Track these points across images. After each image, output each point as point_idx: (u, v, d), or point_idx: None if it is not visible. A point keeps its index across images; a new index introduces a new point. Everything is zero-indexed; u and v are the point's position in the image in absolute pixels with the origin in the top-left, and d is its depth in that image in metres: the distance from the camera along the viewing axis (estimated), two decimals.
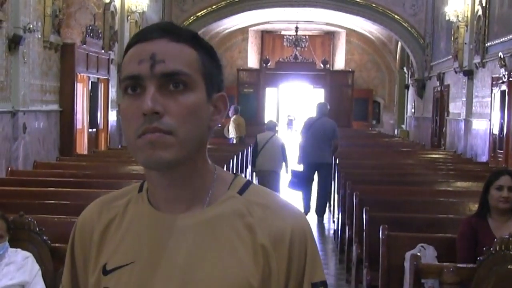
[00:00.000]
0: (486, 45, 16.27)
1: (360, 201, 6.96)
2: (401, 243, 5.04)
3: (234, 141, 16.24)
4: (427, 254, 4.79)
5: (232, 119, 16.46)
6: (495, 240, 4.17)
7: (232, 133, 16.36)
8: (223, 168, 7.67)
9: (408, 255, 4.70)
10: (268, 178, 12.40)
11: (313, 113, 12.80)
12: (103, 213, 1.69)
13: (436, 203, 6.92)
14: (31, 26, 11.53)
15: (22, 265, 3.94)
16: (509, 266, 4.00)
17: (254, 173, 13.21)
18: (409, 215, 6.14)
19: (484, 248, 4.16)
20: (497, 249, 4.03)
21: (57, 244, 4.26)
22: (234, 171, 13.85)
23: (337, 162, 11.64)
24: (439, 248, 4.98)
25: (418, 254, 4.44)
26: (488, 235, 4.83)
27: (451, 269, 3.89)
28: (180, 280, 1.54)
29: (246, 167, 14.71)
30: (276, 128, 13.58)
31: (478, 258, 4.14)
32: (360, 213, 6.68)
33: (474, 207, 6.34)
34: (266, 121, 18.36)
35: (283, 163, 12.71)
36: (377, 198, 7.07)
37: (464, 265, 4.32)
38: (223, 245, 1.56)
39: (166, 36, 1.56)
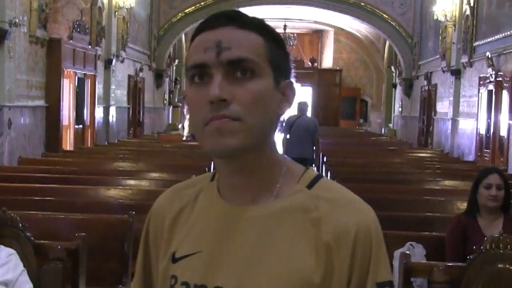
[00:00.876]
0: (474, 44, 16.29)
1: None
2: (389, 241, 4.94)
3: (189, 138, 16.10)
4: (416, 252, 4.75)
5: (188, 117, 16.26)
6: (485, 238, 4.13)
7: (186, 131, 16.23)
8: (211, 164, 7.59)
9: (397, 253, 4.66)
10: None
11: (294, 111, 12.58)
12: (175, 201, 1.69)
13: (424, 201, 6.89)
14: (17, 20, 11.42)
15: (6, 261, 3.86)
16: (499, 265, 3.96)
17: None
18: (398, 213, 6.09)
19: (474, 247, 4.13)
20: (488, 247, 3.99)
21: (41, 241, 4.19)
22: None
23: (324, 160, 11.60)
24: (428, 246, 4.93)
25: (408, 252, 4.40)
26: (478, 233, 4.80)
27: (441, 268, 3.84)
28: (243, 272, 1.52)
29: None
30: None
31: (468, 257, 4.10)
32: None
33: (462, 205, 6.32)
34: None
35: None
36: (365, 196, 6.83)
37: (454, 264, 4.28)
38: (287, 240, 1.53)
39: (232, 23, 1.54)
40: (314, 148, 12.40)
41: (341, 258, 1.50)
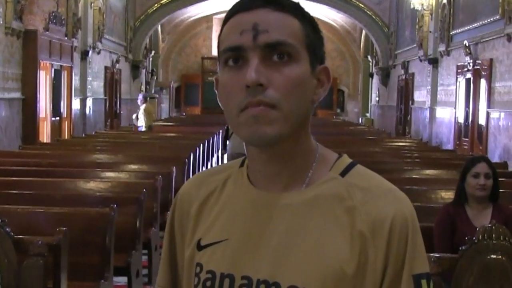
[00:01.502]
0: (451, 33, 16.32)
1: None
2: None
3: (143, 129, 16.02)
4: None
5: (142, 107, 16.11)
6: (477, 229, 4.07)
7: (141, 121, 16.12)
8: (191, 156, 7.49)
9: None
10: None
11: None
12: (202, 187, 1.65)
13: (407, 191, 6.74)
14: None
15: None
16: (492, 256, 3.90)
17: (226, 157, 13.16)
18: None
19: (466, 238, 4.06)
20: (480, 238, 3.93)
21: (21, 236, 4.08)
22: (206, 157, 13.76)
23: None
24: None
25: None
26: (466, 223, 4.75)
27: (432, 260, 3.77)
28: (272, 261, 1.47)
29: (216, 151, 14.64)
30: None
31: (460, 248, 4.03)
32: None
33: (447, 195, 6.29)
34: None
35: None
36: None
37: (445, 255, 4.21)
38: (319, 228, 1.47)
39: (269, 5, 1.48)
40: None
41: (376, 248, 1.45)
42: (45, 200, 5.76)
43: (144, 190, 6.08)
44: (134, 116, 16.86)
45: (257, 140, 1.46)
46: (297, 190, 1.52)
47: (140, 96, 16.35)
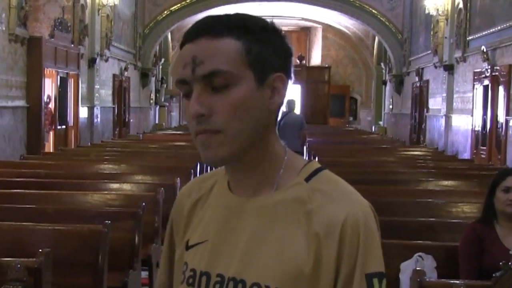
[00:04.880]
0: (468, 38, 15.95)
1: None
2: (395, 252, 4.45)
3: None
4: (426, 264, 4.20)
5: None
6: (511, 252, 3.62)
7: None
8: (197, 166, 7.10)
9: (404, 266, 4.17)
10: None
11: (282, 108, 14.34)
12: (194, 192, 1.79)
13: (425, 204, 6.36)
14: None
15: None
16: None
17: None
18: (398, 218, 5.56)
19: (501, 263, 3.60)
20: None
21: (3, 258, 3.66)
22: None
23: (316, 159, 11.15)
24: (438, 258, 4.40)
25: (418, 268, 3.86)
26: (496, 244, 4.24)
27: (461, 287, 3.33)
28: (240, 260, 1.60)
29: None
30: None
31: (494, 275, 3.57)
32: None
33: (469, 209, 5.89)
34: None
35: None
36: None
37: (477, 282, 3.74)
38: (282, 231, 1.59)
39: (206, 33, 1.57)
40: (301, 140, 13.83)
41: (329, 249, 1.54)
42: (36, 215, 5.37)
43: (144, 204, 5.68)
44: None
45: (210, 163, 1.59)
46: (265, 194, 1.63)
47: None
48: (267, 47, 1.58)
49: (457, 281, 3.60)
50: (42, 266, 3.62)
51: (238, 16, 1.60)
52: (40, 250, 3.72)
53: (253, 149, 1.61)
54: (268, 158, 1.64)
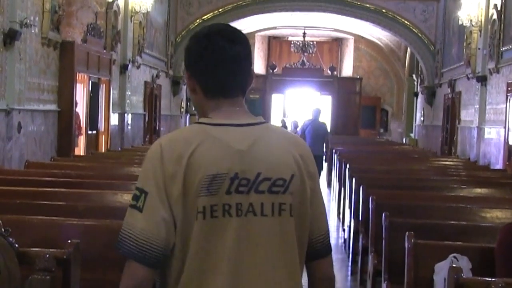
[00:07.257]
0: (501, 49, 15.75)
1: (377, 206, 6.34)
2: (429, 253, 4.39)
3: None
4: (461, 266, 4.13)
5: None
6: None
7: None
8: None
9: (438, 267, 4.09)
10: None
11: (309, 116, 16.57)
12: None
13: (459, 209, 6.29)
14: (28, 21, 10.99)
15: None
16: None
17: None
18: (433, 221, 5.51)
19: None
20: None
21: (26, 249, 3.61)
22: None
23: (347, 167, 11.04)
24: (472, 259, 4.33)
25: (455, 266, 3.78)
26: None
27: (500, 285, 3.24)
28: None
29: None
30: None
31: None
32: (377, 219, 6.03)
33: (503, 214, 5.81)
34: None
35: None
36: (394, 203, 6.43)
37: None
38: None
39: None
40: (325, 146, 15.71)
41: None
42: (66, 211, 5.35)
43: None
44: None
45: None
46: None
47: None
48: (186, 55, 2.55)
49: (494, 279, 3.50)
50: (71, 257, 3.57)
51: None
52: (69, 241, 3.68)
53: None
54: None
